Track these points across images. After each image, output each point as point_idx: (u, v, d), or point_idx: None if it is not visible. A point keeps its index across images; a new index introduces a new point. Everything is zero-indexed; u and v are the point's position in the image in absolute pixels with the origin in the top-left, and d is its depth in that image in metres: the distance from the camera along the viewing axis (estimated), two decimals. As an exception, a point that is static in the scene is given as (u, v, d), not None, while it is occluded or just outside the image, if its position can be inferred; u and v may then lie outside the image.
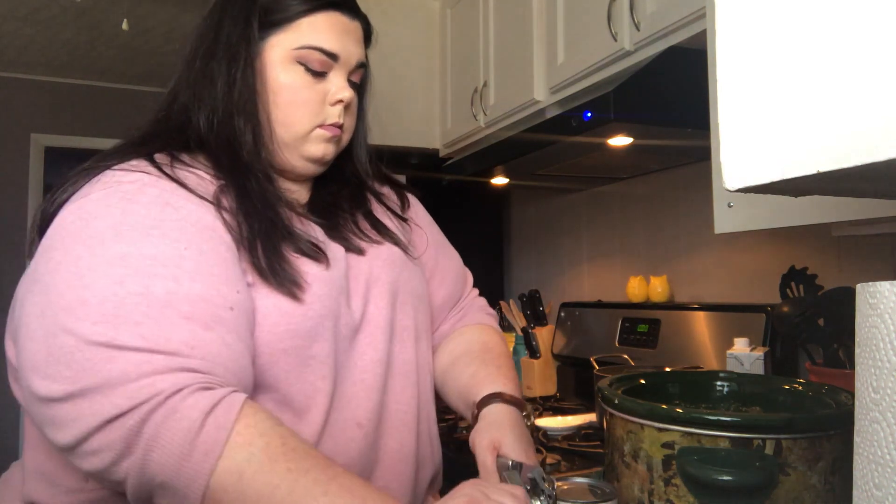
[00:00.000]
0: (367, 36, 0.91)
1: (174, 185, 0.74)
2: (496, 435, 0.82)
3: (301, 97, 0.83)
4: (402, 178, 1.12)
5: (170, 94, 0.86)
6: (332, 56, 0.83)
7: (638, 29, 1.41)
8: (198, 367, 0.64)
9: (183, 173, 0.76)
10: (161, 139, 0.81)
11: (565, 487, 0.77)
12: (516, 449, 0.81)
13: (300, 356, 0.75)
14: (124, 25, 3.03)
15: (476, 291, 1.11)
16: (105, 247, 0.67)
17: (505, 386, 0.90)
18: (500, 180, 2.13)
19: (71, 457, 0.63)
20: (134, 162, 0.75)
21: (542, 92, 1.79)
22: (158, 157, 0.77)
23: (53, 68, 3.99)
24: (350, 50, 0.86)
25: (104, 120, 4.16)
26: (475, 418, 0.88)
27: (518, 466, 0.77)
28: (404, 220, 0.99)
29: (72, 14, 3.23)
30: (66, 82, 4.16)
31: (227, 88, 0.81)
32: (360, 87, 0.91)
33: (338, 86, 0.85)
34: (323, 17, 0.83)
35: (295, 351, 0.75)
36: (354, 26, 0.87)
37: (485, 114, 2.07)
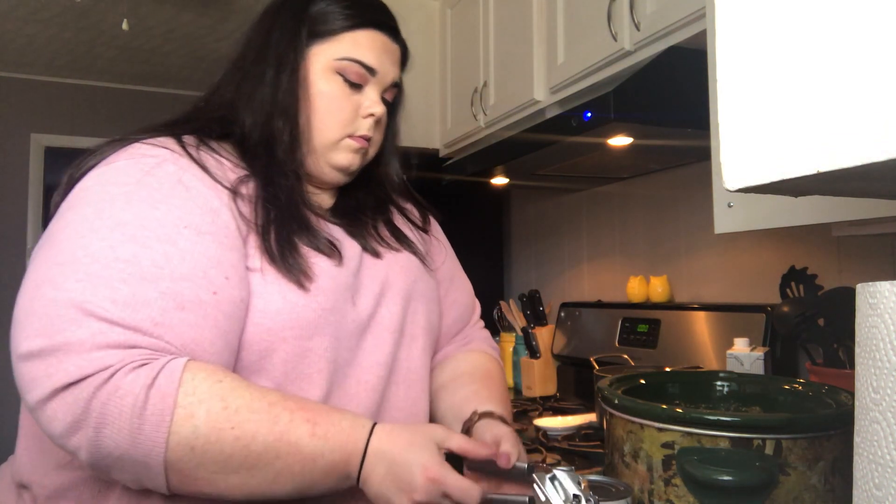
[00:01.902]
0: (404, 60, 0.95)
1: (192, 165, 0.76)
2: (497, 433, 0.83)
3: (336, 105, 0.86)
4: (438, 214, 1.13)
5: (211, 89, 0.89)
6: (370, 70, 0.87)
7: (638, 29, 1.41)
8: (150, 346, 0.65)
9: (206, 156, 0.79)
10: (192, 124, 0.84)
11: (587, 486, 0.76)
12: (517, 446, 0.82)
13: (299, 347, 0.76)
14: (124, 25, 3.03)
15: (482, 323, 1.13)
16: (112, 211, 0.69)
17: (502, 410, 0.92)
18: (500, 180, 2.13)
19: (36, 419, 0.64)
20: (161, 139, 0.78)
21: (542, 92, 1.80)
22: (186, 138, 0.80)
23: (53, 68, 3.99)
24: (387, 68, 0.89)
25: (104, 120, 4.16)
26: (470, 426, 0.88)
27: (532, 469, 0.77)
28: (425, 231, 1.01)
29: (72, 14, 3.23)
30: (66, 82, 4.16)
31: (273, 90, 0.84)
32: (392, 106, 0.95)
33: (371, 100, 0.88)
34: (365, 34, 0.87)
35: (294, 340, 0.76)
36: (394, 48, 0.91)
37: (485, 114, 2.07)
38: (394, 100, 0.95)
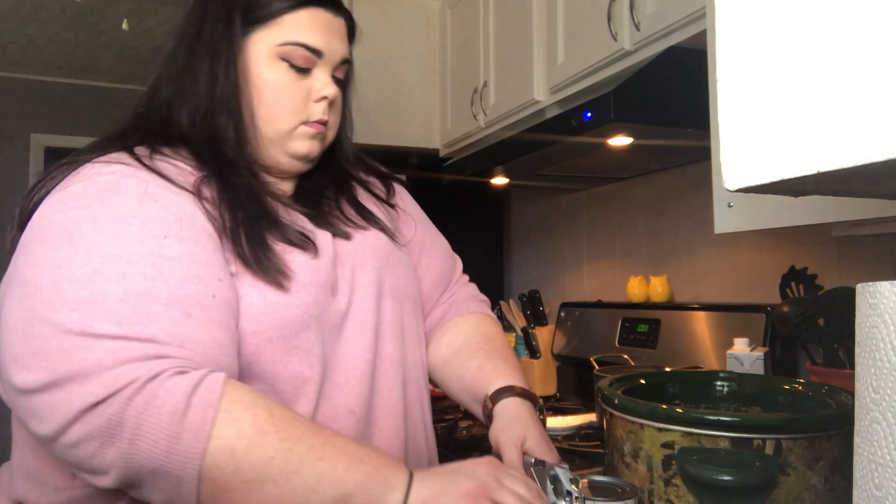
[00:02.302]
0: (352, 32, 0.91)
1: (153, 176, 0.73)
2: (520, 431, 0.81)
3: (285, 94, 0.82)
4: (402, 177, 1.09)
5: (151, 88, 0.86)
6: (316, 52, 0.83)
7: (638, 29, 1.41)
8: (175, 354, 0.63)
9: (163, 164, 0.76)
10: (141, 132, 0.80)
11: (586, 485, 0.76)
12: (540, 445, 0.80)
13: (285, 345, 0.75)
14: (124, 25, 3.03)
15: (466, 277, 1.10)
16: (83, 237, 0.67)
17: (515, 378, 0.90)
18: (500, 180, 2.13)
19: (53, 450, 0.62)
20: (114, 154, 0.75)
21: (542, 92, 1.79)
22: (138, 149, 0.77)
23: (53, 68, 3.99)
24: (334, 46, 0.85)
25: (104, 120, 4.12)
26: (488, 414, 0.87)
27: (541, 464, 0.76)
28: (391, 206, 0.98)
29: (72, 14, 3.23)
30: (66, 82, 4.16)
31: (210, 85, 0.81)
32: (343, 83, 0.90)
33: (322, 82, 0.84)
34: (306, 14, 0.83)
35: (280, 340, 0.75)
36: (338, 23, 0.87)
37: (485, 114, 2.07)
38: (345, 77, 0.91)
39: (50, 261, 0.66)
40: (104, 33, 3.47)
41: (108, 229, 0.67)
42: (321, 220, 0.85)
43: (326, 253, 0.81)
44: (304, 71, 0.83)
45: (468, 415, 1.73)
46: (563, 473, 0.73)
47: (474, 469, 0.68)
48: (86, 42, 3.60)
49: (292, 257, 0.77)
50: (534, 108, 1.83)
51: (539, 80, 1.80)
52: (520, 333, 2.18)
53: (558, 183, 2.20)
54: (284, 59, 0.82)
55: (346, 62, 0.88)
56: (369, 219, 0.91)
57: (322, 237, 0.83)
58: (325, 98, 0.85)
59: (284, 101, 0.83)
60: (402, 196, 1.04)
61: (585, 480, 0.76)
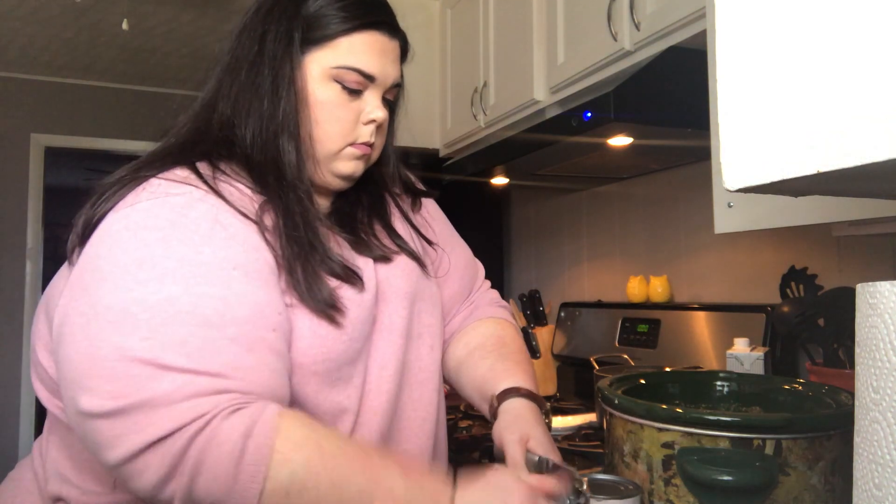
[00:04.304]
0: (405, 52, 0.91)
1: (221, 202, 0.73)
2: (525, 429, 0.81)
3: (336, 115, 0.83)
4: (436, 192, 1.10)
5: (209, 101, 0.84)
6: (369, 77, 0.83)
7: (638, 29, 1.41)
8: (238, 388, 0.65)
9: (226, 187, 0.76)
10: (200, 148, 0.80)
11: (587, 482, 0.76)
12: (544, 444, 0.80)
13: (329, 377, 0.77)
14: (124, 25, 3.03)
15: (488, 283, 1.10)
16: (155, 260, 0.67)
17: (524, 381, 0.90)
18: (500, 180, 2.13)
19: (116, 474, 0.63)
20: (178, 172, 0.75)
21: (542, 92, 1.79)
22: (201, 166, 0.77)
23: (53, 68, 3.99)
24: (387, 71, 0.85)
25: (104, 120, 4.16)
26: (494, 411, 0.88)
27: (545, 462, 0.76)
28: (426, 239, 0.98)
29: (72, 14, 3.23)
30: (66, 82, 4.16)
31: (273, 106, 0.80)
32: (393, 104, 0.91)
33: (372, 105, 0.85)
34: (362, 38, 0.82)
35: (325, 373, 0.76)
36: (393, 45, 0.86)
37: (485, 114, 2.07)
38: (394, 98, 0.91)
39: (118, 281, 0.66)
40: (104, 33, 3.47)
41: (179, 255, 0.67)
42: (361, 246, 0.85)
43: (370, 285, 0.82)
44: (355, 93, 0.83)
45: (468, 415, 1.73)
46: (573, 473, 0.73)
47: (502, 485, 0.69)
48: (86, 42, 3.60)
49: (342, 292, 0.78)
50: (534, 108, 1.83)
51: (539, 80, 1.80)
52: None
53: (558, 183, 2.20)
54: (337, 81, 0.82)
55: (397, 85, 0.89)
56: (401, 245, 0.91)
57: (365, 266, 0.83)
58: (373, 121, 0.85)
59: (334, 123, 0.83)
60: (428, 206, 1.04)
61: (586, 479, 0.76)
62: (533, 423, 0.83)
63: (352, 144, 0.84)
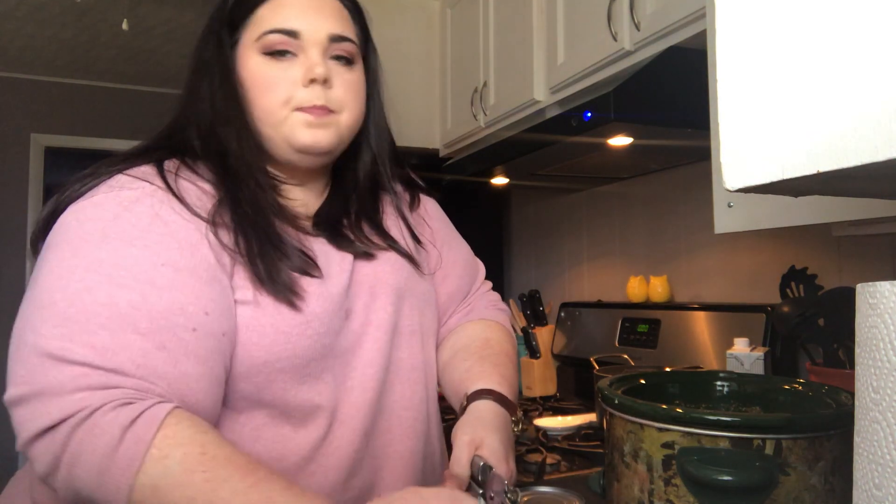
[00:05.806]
0: (356, 12, 0.87)
1: (171, 198, 0.73)
2: (480, 433, 0.76)
3: (266, 83, 0.79)
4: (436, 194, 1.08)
5: (178, 103, 0.87)
6: (291, 33, 0.79)
7: (638, 29, 1.41)
8: (136, 386, 0.64)
9: (186, 185, 0.76)
10: (167, 147, 0.81)
11: (527, 499, 0.75)
12: (497, 452, 0.75)
13: (297, 374, 0.75)
14: (124, 25, 3.03)
15: (489, 285, 1.08)
16: (88, 250, 0.68)
17: (498, 384, 0.86)
18: (500, 180, 2.13)
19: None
20: (143, 168, 0.76)
21: (542, 92, 1.80)
22: (168, 164, 0.78)
23: (53, 68, 3.99)
24: (316, 24, 0.80)
25: (104, 120, 4.16)
26: (462, 410, 0.84)
27: (489, 470, 0.72)
28: (416, 237, 0.95)
29: (72, 14, 3.23)
30: (66, 82, 4.16)
31: (210, 102, 0.81)
32: (350, 61, 0.84)
33: (311, 62, 0.79)
34: (278, 0, 0.81)
35: (291, 370, 0.75)
36: (323, 2, 0.82)
37: (485, 114, 2.07)
38: (366, 58, 0.87)
39: (54, 270, 0.68)
40: (104, 33, 3.47)
41: (111, 247, 0.68)
42: (342, 242, 0.84)
43: (340, 279, 0.80)
44: (282, 55, 0.80)
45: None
46: (499, 482, 0.69)
47: (400, 496, 0.67)
48: (86, 42, 3.60)
49: (302, 281, 0.76)
50: (534, 108, 1.83)
51: (539, 80, 1.80)
52: (520, 333, 2.18)
53: (558, 183, 2.20)
54: (265, 53, 0.80)
55: (344, 39, 0.82)
56: (391, 243, 0.89)
57: (339, 258, 0.82)
58: (314, 80, 0.79)
59: (267, 91, 0.79)
60: (427, 205, 1.02)
61: (528, 494, 0.74)
62: (491, 427, 0.78)
63: (299, 109, 0.80)
